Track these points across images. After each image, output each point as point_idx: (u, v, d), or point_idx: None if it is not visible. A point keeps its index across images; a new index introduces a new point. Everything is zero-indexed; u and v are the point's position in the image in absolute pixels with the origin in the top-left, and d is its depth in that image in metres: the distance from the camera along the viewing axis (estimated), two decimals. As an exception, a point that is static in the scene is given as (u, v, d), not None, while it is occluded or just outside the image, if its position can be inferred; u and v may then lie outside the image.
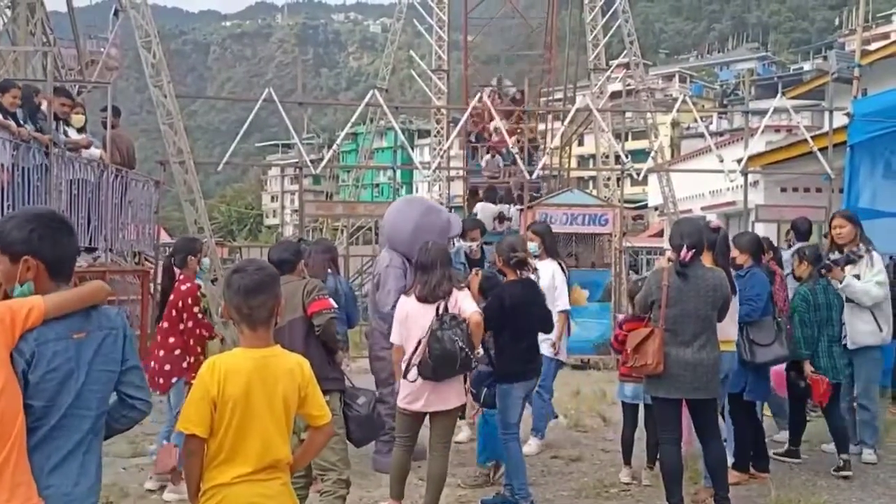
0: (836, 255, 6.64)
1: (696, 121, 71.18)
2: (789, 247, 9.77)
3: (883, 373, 8.71)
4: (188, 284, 6.15)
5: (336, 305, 4.87)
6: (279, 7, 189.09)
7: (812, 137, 13.51)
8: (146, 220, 10.98)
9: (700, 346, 5.05)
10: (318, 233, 29.51)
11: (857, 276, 6.45)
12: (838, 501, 5.67)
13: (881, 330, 6.51)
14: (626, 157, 11.77)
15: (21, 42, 10.90)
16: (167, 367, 5.98)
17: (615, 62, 20.50)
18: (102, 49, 14.32)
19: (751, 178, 20.00)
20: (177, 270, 6.33)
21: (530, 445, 6.91)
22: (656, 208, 27.57)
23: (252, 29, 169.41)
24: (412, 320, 5.08)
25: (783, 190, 18.79)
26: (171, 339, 6.05)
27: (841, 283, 6.35)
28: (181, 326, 6.03)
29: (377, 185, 79.37)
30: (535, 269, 6.10)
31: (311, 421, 2.95)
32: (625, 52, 18.27)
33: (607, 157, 18.48)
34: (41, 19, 11.27)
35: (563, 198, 11.87)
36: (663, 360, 5.02)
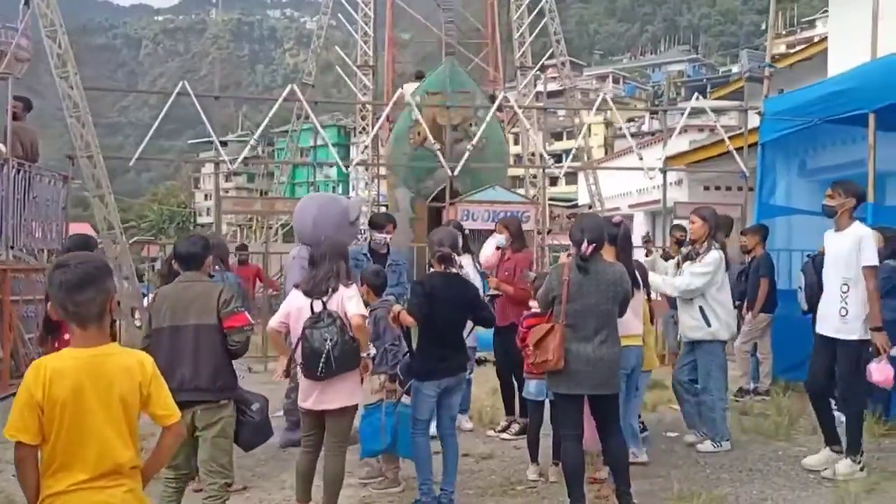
0: (686, 250, 6.81)
1: (629, 121, 72.61)
2: (677, 242, 9.95)
3: (795, 366, 8.94)
4: None
5: (251, 320, 4.73)
6: (213, 2, 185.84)
7: (732, 137, 13.76)
8: (53, 216, 10.54)
9: (601, 342, 5.00)
10: (248, 230, 29.07)
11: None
12: (739, 494, 5.70)
13: (709, 325, 6.56)
14: (548, 156, 11.77)
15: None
16: None
17: (551, 62, 20.64)
18: (10, 40, 13.74)
19: (675, 176, 20.44)
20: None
21: (465, 425, 7.34)
22: (589, 206, 27.88)
23: (186, 24, 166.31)
24: (297, 316, 4.93)
25: (706, 188, 19.14)
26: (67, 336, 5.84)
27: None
28: None
29: (313, 183, 78.66)
30: (462, 266, 6.02)
31: (158, 421, 2.77)
32: (550, 50, 18.34)
33: (533, 155, 18.54)
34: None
35: (484, 194, 11.81)
36: (564, 355, 4.97)
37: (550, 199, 46.66)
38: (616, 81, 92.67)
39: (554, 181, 60.14)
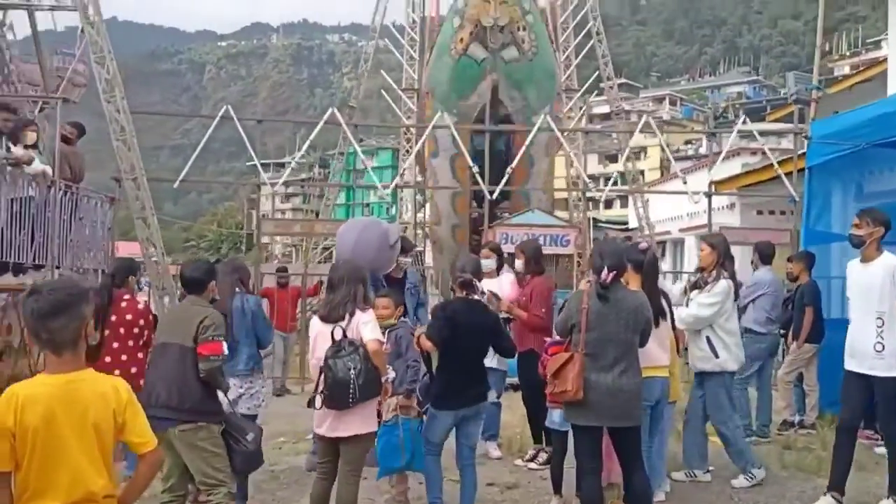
0: (694, 278, 6.63)
1: (687, 143, 71.47)
2: (755, 269, 9.64)
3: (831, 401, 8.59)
4: (142, 303, 6.34)
5: (226, 352, 4.71)
6: (275, 27, 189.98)
7: (784, 160, 13.42)
8: (100, 237, 10.76)
9: (621, 372, 4.86)
10: (302, 251, 29.37)
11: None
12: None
13: (717, 356, 6.32)
14: (599, 179, 11.62)
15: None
16: None
17: (603, 84, 20.48)
18: (68, 66, 14.18)
19: (727, 200, 20.03)
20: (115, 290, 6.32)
21: (493, 452, 7.28)
22: (639, 230, 27.48)
23: (248, 49, 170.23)
24: (317, 342, 4.90)
25: (759, 213, 18.69)
26: (124, 357, 6.07)
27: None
28: (137, 343, 6.11)
29: (367, 205, 79.40)
30: (483, 293, 5.94)
31: (133, 448, 2.74)
32: (596, 73, 18.18)
33: (578, 178, 18.36)
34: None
35: (524, 217, 11.71)
36: (583, 385, 4.83)
37: (604, 222, 46.24)
38: (673, 103, 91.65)
39: (609, 204, 59.66)
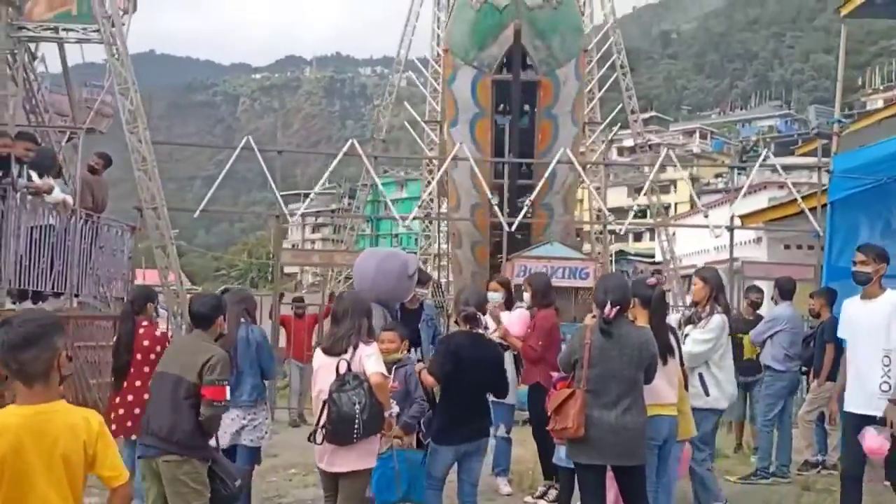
0: (689, 313, 6.46)
1: (717, 176, 70.99)
2: (752, 304, 9.50)
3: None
4: (161, 330, 6.40)
5: (228, 397, 4.64)
6: (308, 60, 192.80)
7: (810, 195, 13.27)
8: (120, 265, 10.87)
9: (624, 410, 4.74)
10: (328, 281, 29.43)
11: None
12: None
13: (707, 394, 6.10)
14: (608, 212, 11.54)
15: (9, 88, 10.99)
16: (136, 410, 5.99)
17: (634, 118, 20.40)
18: (97, 97, 14.48)
19: (752, 234, 19.79)
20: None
21: (503, 488, 7.09)
22: (663, 263, 27.22)
23: (281, 81, 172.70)
24: (320, 374, 4.85)
25: (786, 247, 18.45)
26: (138, 383, 6.10)
27: None
28: (153, 370, 5.93)
29: (396, 236, 79.61)
30: (487, 327, 5.89)
31: (105, 482, 2.70)
32: (620, 105, 18.14)
33: (601, 211, 18.24)
34: (22, 65, 11.37)
35: (542, 250, 11.63)
36: (584, 422, 4.72)
37: (633, 255, 45.83)
38: (703, 137, 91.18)
39: (638, 237, 59.23)
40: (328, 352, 4.88)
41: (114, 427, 6.25)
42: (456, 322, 5.57)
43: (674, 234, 25.81)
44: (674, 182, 69.38)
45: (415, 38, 19.03)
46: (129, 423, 6.15)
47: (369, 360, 4.78)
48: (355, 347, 4.81)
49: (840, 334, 5.85)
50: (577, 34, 13.33)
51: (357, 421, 4.60)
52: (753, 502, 7.32)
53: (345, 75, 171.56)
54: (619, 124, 18.78)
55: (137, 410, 6.06)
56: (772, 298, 8.94)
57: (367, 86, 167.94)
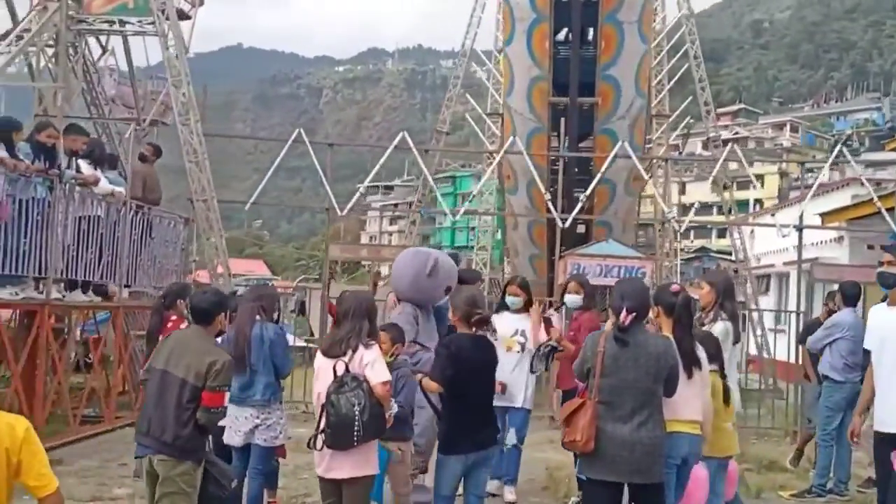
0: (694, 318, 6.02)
1: (808, 172, 68.81)
2: (829, 312, 8.85)
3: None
4: (182, 326, 6.23)
5: (226, 403, 4.54)
6: (390, 53, 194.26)
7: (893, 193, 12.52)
8: (171, 256, 11.02)
9: (640, 423, 4.45)
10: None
11: None
12: None
13: None
14: (666, 208, 11.09)
15: (61, 79, 11.28)
16: None
17: (723, 111, 19.65)
18: (162, 90, 14.75)
19: (834, 234, 18.85)
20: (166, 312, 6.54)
21: (508, 496, 6.80)
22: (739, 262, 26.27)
23: (363, 74, 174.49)
24: (319, 377, 4.71)
25: (870, 247, 17.47)
26: None
27: None
28: None
29: (472, 229, 79.59)
30: (494, 331, 5.66)
31: (31, 492, 2.60)
32: (691, 98, 17.46)
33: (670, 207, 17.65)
34: (82, 57, 11.61)
35: (598, 248, 11.28)
36: (595, 436, 4.45)
37: (715, 252, 44.41)
38: (794, 130, 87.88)
39: (722, 233, 57.57)
40: (327, 353, 4.71)
41: None
42: (454, 325, 5.30)
43: (752, 232, 24.88)
44: (761, 177, 67.16)
45: (481, 30, 18.84)
46: None
47: (373, 368, 4.60)
48: (354, 350, 4.63)
49: (866, 344, 5.39)
50: None
51: (357, 423, 4.44)
52: (804, 522, 6.89)
53: (426, 67, 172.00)
54: (688, 116, 18.10)
55: None
56: (834, 303, 8.40)
57: (447, 78, 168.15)
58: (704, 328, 5.66)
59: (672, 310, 4.90)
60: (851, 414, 8.11)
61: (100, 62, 14.37)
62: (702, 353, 4.97)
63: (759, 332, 16.99)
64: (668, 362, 4.53)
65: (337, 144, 12.19)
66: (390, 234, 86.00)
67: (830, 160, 12.06)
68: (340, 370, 4.55)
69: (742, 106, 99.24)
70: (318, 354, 4.84)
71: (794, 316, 11.78)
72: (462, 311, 5.08)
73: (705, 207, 49.30)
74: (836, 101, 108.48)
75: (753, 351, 17.01)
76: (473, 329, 5.06)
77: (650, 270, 11.27)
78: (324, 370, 4.66)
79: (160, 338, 6.34)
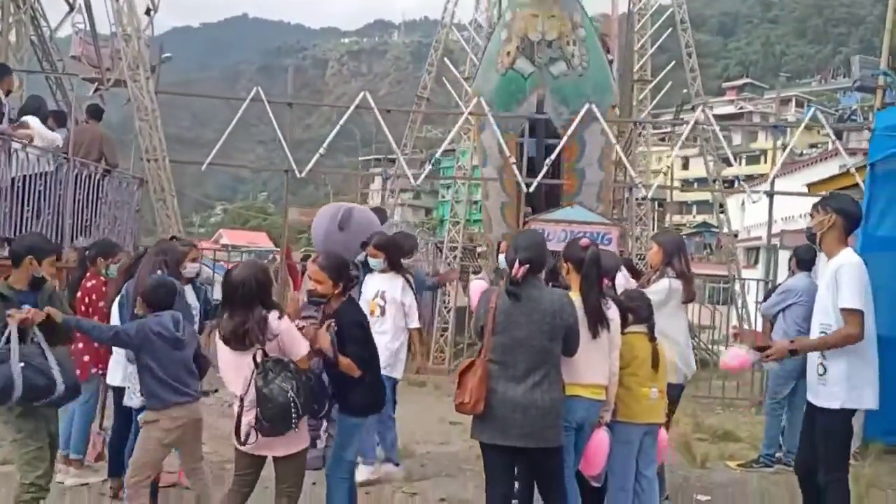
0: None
1: (812, 146, 68.00)
2: (791, 275, 8.50)
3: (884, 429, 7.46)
4: (93, 281, 6.26)
5: None
6: (396, 25, 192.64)
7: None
8: (124, 218, 10.69)
9: (535, 384, 4.14)
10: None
11: None
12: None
13: None
14: (634, 174, 10.70)
15: (4, 34, 10.89)
16: (85, 357, 6.07)
17: (728, 84, 19.14)
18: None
19: (820, 204, 18.39)
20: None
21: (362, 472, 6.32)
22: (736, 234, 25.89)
23: (369, 46, 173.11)
24: (225, 364, 4.31)
25: (859, 218, 17.12)
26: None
27: None
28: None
29: (475, 203, 79.15)
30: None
31: None
32: (672, 63, 16.91)
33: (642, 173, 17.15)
34: (30, 8, 11.21)
35: (562, 213, 10.90)
36: (485, 397, 4.14)
37: (717, 228, 44.05)
38: (800, 105, 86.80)
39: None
40: (231, 346, 4.27)
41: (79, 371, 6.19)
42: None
43: (742, 204, 24.53)
44: (764, 152, 66.16)
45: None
46: (76, 371, 6.02)
47: (290, 343, 4.25)
48: (262, 332, 4.21)
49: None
50: (605, 93, 12.89)
51: (294, 407, 4.10)
52: (745, 492, 6.60)
53: (431, 40, 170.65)
54: (670, 83, 17.57)
55: (87, 358, 6.08)
56: (789, 268, 8.04)
57: (453, 51, 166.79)
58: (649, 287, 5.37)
59: (580, 265, 4.57)
60: (804, 383, 7.84)
61: (66, 20, 13.98)
62: (613, 312, 4.64)
63: (740, 303, 16.67)
64: (565, 320, 4.19)
65: (296, 103, 11.82)
66: (390, 207, 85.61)
67: (802, 125, 11.61)
68: (259, 358, 4.18)
69: (748, 80, 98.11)
70: (221, 347, 4.37)
71: (762, 284, 11.44)
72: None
73: (704, 182, 48.76)
74: (844, 77, 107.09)
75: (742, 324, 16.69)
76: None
77: (616, 237, 10.90)
78: (233, 364, 4.27)
79: (83, 293, 6.20)
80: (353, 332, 4.56)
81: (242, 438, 4.23)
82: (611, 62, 13.91)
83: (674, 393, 5.60)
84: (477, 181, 15.81)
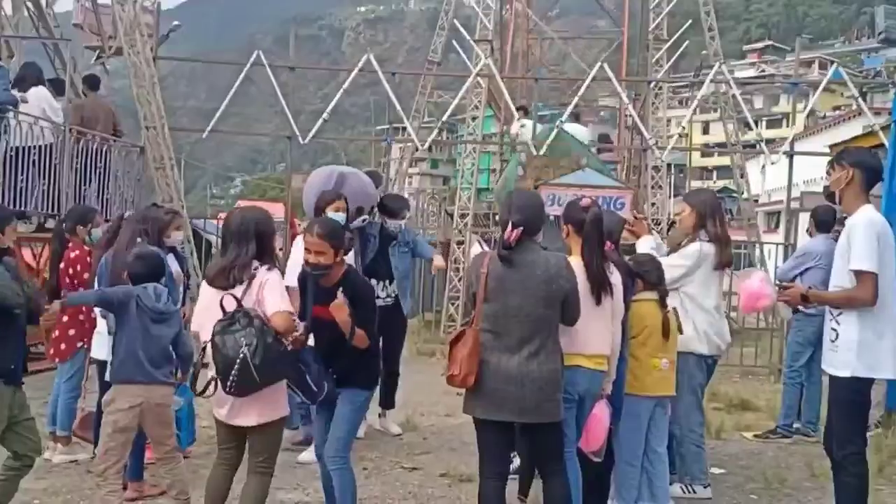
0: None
1: (835, 109, 66.93)
2: (810, 237, 8.15)
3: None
4: (77, 252, 5.99)
5: None
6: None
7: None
8: (127, 187, 10.45)
9: (530, 355, 3.85)
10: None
11: None
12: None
13: (680, 331, 4.92)
14: (647, 135, 10.28)
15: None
16: (71, 332, 5.87)
17: (749, 47, 18.61)
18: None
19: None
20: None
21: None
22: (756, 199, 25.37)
23: (386, 14, 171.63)
24: (207, 311, 4.02)
25: (883, 179, 16.63)
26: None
27: None
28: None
29: (494, 171, 78.62)
30: None
31: None
32: (689, 22, 16.34)
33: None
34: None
35: (573, 177, 10.50)
36: (477, 369, 3.86)
37: (736, 192, 43.43)
38: (823, 67, 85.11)
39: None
40: (213, 283, 4.04)
41: (51, 350, 6.06)
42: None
43: (763, 168, 24.01)
44: (786, 115, 64.96)
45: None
46: (62, 346, 5.93)
47: (271, 291, 3.92)
48: (245, 280, 3.97)
49: None
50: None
51: (241, 365, 3.75)
52: (760, 464, 6.31)
53: (449, 7, 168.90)
54: (700, 52, 17.01)
55: (73, 332, 5.87)
56: (807, 231, 7.69)
57: (470, 17, 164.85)
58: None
59: (581, 227, 4.26)
60: (821, 350, 7.51)
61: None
62: (616, 277, 4.34)
63: (761, 268, 16.25)
64: (563, 286, 3.89)
65: (299, 67, 11.49)
66: (410, 176, 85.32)
67: (824, 83, 11.15)
68: (230, 305, 3.89)
69: (769, 43, 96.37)
70: (204, 287, 4.14)
71: (780, 249, 11.07)
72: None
73: (722, 146, 48.10)
74: (868, 38, 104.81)
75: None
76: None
77: (629, 201, 10.52)
78: (209, 305, 4.01)
79: (66, 265, 5.97)
80: (365, 300, 4.31)
81: (199, 389, 4.02)
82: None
83: (707, 366, 5.32)
84: (486, 145, 15.40)
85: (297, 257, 5.25)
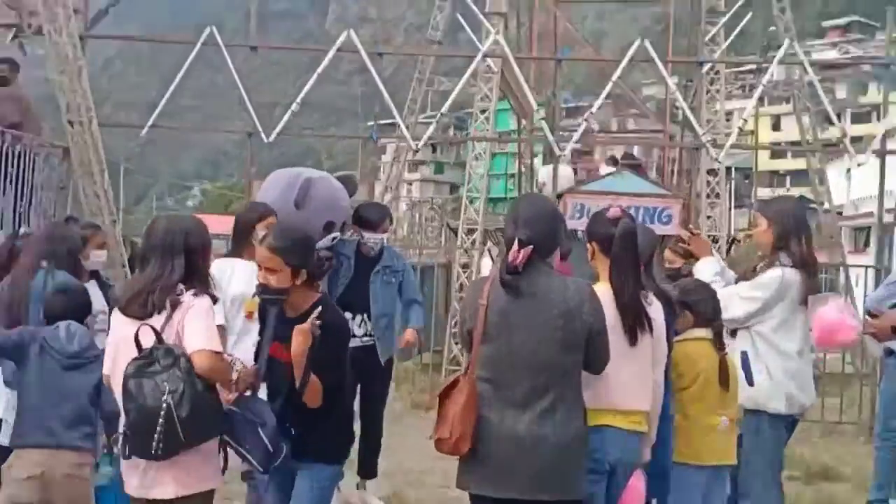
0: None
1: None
2: None
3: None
4: None
5: None
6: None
7: None
8: (43, 195, 10.35)
9: (544, 412, 3.66)
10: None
11: None
12: None
13: (750, 383, 4.91)
14: (700, 130, 10.18)
15: None
16: None
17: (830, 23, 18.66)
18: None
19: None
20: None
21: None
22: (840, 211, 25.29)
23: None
24: (118, 347, 3.90)
25: None
26: None
27: None
28: None
29: (512, 176, 78.83)
30: None
31: None
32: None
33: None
34: None
35: (605, 183, 10.44)
36: (474, 431, 3.67)
37: (814, 202, 43.45)
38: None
39: (822, 179, 56.21)
40: (126, 311, 3.89)
41: None
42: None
43: (848, 172, 23.98)
44: (877, 107, 64.92)
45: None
46: None
47: (193, 325, 3.76)
48: (173, 305, 3.82)
49: None
50: None
51: (166, 419, 3.57)
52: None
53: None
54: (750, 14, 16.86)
55: None
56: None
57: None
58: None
59: (609, 245, 4.07)
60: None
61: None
62: (655, 310, 4.14)
63: (846, 297, 16.06)
64: (587, 321, 3.70)
65: (263, 48, 11.42)
66: (409, 183, 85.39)
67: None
68: (147, 340, 3.72)
69: (854, 18, 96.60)
70: (115, 312, 4.01)
71: (871, 272, 10.92)
72: None
73: (797, 145, 48.19)
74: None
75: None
76: None
77: (677, 212, 10.42)
78: (122, 339, 3.85)
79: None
80: (335, 338, 4.11)
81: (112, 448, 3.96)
82: None
83: (785, 428, 5.18)
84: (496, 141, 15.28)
85: (235, 288, 5.09)
